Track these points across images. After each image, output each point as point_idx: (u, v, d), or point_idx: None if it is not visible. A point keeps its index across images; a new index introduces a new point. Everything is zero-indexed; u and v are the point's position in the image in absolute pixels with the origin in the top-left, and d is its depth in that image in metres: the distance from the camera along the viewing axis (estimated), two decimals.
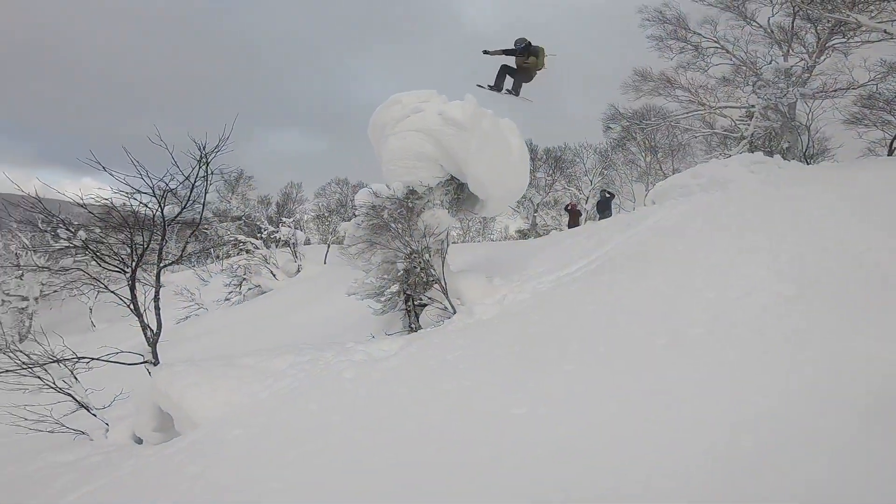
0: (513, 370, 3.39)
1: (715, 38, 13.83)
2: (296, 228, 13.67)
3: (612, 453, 2.29)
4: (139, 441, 4.61)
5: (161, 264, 5.21)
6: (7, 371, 4.60)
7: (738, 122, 14.40)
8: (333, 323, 7.24)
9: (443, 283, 5.30)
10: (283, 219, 14.73)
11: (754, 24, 13.34)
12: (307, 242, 15.54)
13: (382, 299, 5.58)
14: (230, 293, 12.10)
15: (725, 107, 14.59)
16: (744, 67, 13.79)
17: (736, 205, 5.65)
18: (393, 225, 5.29)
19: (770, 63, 13.20)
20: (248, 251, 12.82)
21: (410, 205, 5.41)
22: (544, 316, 4.21)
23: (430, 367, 3.88)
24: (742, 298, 3.45)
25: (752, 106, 13.71)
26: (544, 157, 22.72)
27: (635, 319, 3.57)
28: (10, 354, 4.72)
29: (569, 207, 14.90)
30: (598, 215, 14.72)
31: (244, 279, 12.20)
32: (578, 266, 5.23)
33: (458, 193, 6.07)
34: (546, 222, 21.80)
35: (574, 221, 14.06)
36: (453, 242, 6.10)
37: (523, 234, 21.92)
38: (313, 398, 3.71)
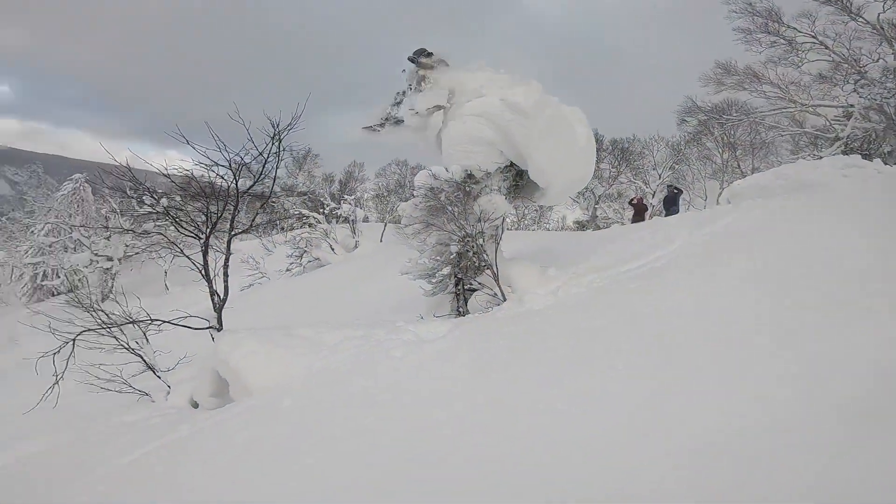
0: (557, 364, 3.29)
1: (812, 33, 12.62)
2: (356, 206, 14.10)
3: (634, 454, 2.20)
4: (196, 405, 4.87)
5: (232, 233, 5.52)
6: (89, 330, 5.02)
7: (832, 122, 13.12)
8: (386, 300, 7.38)
9: (494, 270, 5.24)
10: (345, 196, 15.21)
11: (860, 20, 12.00)
12: (365, 220, 16.00)
13: (434, 281, 5.62)
14: (291, 264, 12.70)
15: (819, 105, 13.32)
16: (845, 65, 12.50)
17: (824, 211, 5.14)
18: (449, 208, 5.28)
19: (877, 61, 11.88)
20: (310, 225, 13.40)
21: (468, 189, 5.38)
22: (599, 311, 4.06)
23: (474, 353, 3.86)
24: (822, 310, 3.12)
25: (852, 105, 12.43)
26: (610, 147, 21.89)
27: (696, 324, 3.34)
28: (93, 313, 5.14)
29: (634, 202, 14.29)
30: (663, 211, 14.02)
31: (305, 251, 12.78)
32: (641, 263, 4.99)
33: (518, 180, 5.95)
34: (607, 215, 21.05)
35: (639, 217, 13.47)
36: (508, 229, 6.01)
37: (581, 226, 21.31)
38: (363, 375, 3.80)
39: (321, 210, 14.09)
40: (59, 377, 4.86)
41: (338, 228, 13.76)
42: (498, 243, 5.53)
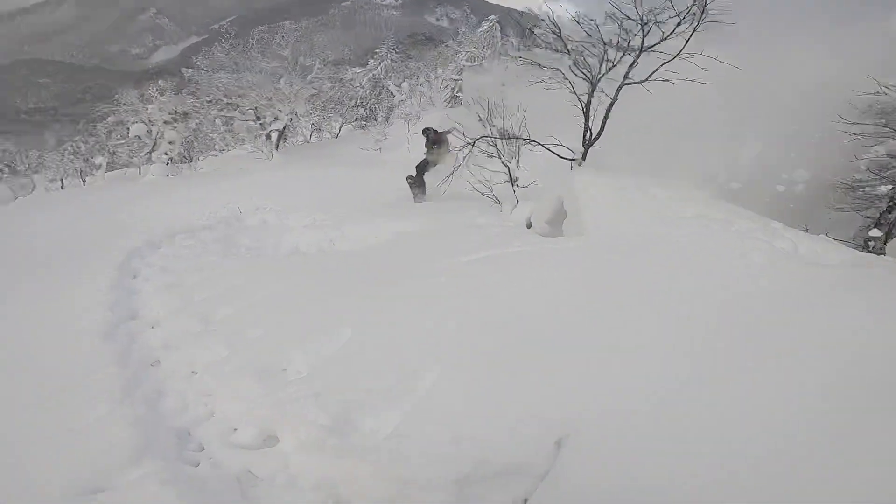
0: None
1: None
2: None
3: None
4: (529, 226, 5.21)
5: (624, 82, 5.41)
6: (483, 137, 5.92)
7: None
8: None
9: None
10: None
11: None
12: None
13: (855, 195, 4.10)
14: None
15: None
16: None
17: None
18: None
19: None
20: None
21: None
22: None
23: (870, 328, 2.36)
24: None
25: None
26: None
27: None
28: (485, 125, 6.04)
29: None
30: None
31: None
32: None
33: None
34: None
35: None
36: None
37: None
38: (702, 259, 3.22)
39: None
40: (456, 168, 6.00)
41: None
42: None
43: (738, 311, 2.70)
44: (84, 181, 15.96)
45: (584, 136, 5.35)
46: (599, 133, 5.31)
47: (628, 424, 2.11)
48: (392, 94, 19.90)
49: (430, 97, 19.91)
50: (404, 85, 19.88)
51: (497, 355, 2.68)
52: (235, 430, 2.72)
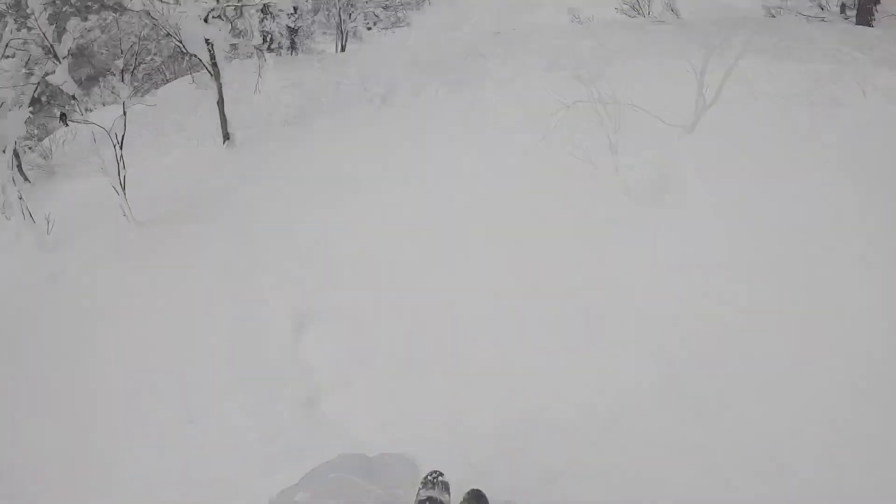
0: None
1: None
2: None
3: None
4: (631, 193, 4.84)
5: None
6: (577, 102, 5.59)
7: None
8: None
9: None
10: None
11: None
12: None
13: None
14: None
15: None
16: None
17: None
18: None
19: None
20: None
21: None
22: None
23: None
24: None
25: None
26: None
27: None
28: (587, 87, 5.66)
29: None
30: None
31: None
32: None
33: None
34: None
35: None
36: None
37: None
38: None
39: None
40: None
41: None
42: None
43: None
44: None
45: (697, 104, 4.92)
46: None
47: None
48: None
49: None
50: None
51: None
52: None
